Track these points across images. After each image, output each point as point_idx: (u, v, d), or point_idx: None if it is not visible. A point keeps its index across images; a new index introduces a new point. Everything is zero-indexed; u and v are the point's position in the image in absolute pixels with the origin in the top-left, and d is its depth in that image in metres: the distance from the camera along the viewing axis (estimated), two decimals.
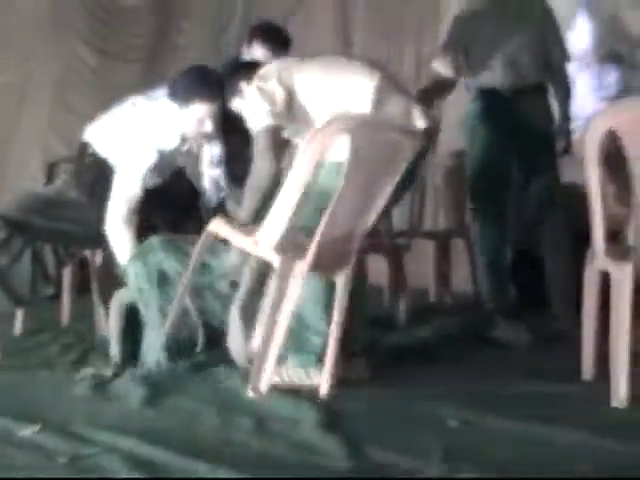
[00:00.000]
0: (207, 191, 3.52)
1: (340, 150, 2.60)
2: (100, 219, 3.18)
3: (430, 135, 2.98)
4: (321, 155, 2.52)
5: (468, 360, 3.27)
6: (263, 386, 2.47)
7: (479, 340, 3.58)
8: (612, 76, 5.15)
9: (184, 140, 3.27)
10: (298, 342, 2.81)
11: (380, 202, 2.71)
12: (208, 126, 3.17)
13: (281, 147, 2.88)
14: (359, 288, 2.94)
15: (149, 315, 2.99)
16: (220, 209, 3.39)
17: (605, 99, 5.03)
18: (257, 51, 3.51)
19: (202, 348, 2.97)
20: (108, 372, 2.93)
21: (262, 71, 2.96)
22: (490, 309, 3.74)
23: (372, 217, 2.74)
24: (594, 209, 2.59)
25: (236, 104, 3.03)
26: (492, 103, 3.75)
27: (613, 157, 2.70)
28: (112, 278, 3.23)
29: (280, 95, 2.84)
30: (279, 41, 3.55)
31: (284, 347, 2.83)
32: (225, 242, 2.85)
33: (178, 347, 2.94)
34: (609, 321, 2.57)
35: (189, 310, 2.97)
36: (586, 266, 2.82)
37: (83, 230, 3.41)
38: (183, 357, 2.95)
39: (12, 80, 6.92)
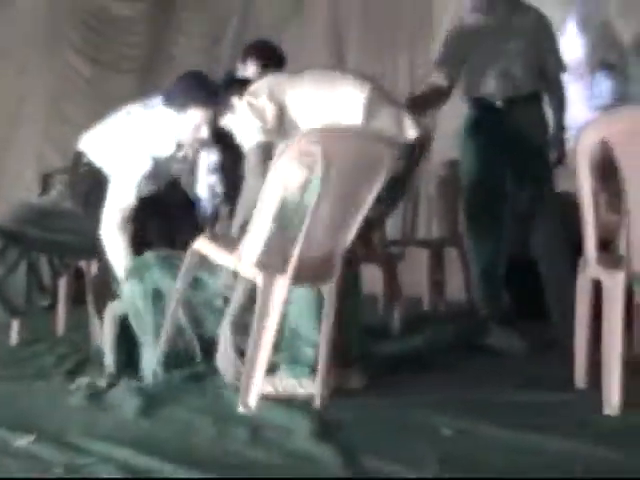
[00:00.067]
0: (203, 199, 3.53)
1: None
2: (95, 229, 3.18)
3: (422, 144, 2.99)
4: (292, 170, 2.51)
5: (462, 368, 3.29)
6: (252, 401, 2.47)
7: (473, 348, 3.59)
8: (604, 85, 5.17)
9: (180, 147, 3.27)
10: (291, 353, 2.82)
11: (362, 212, 2.70)
12: (204, 132, 3.18)
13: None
14: (353, 297, 2.96)
15: (144, 331, 2.98)
16: (216, 218, 3.41)
17: (597, 108, 5.05)
18: (251, 69, 3.54)
19: (199, 360, 2.98)
20: (103, 382, 2.93)
21: (253, 87, 2.97)
22: (484, 316, 3.76)
23: (355, 227, 2.72)
24: (586, 218, 2.61)
25: (227, 120, 3.05)
26: (484, 115, 3.77)
27: (605, 165, 2.72)
28: (107, 288, 3.24)
29: (271, 111, 2.85)
30: (273, 59, 3.58)
31: (277, 358, 2.86)
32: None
33: (175, 360, 2.94)
34: (601, 329, 2.59)
35: (183, 325, 2.97)
36: (578, 274, 2.83)
37: (78, 240, 3.42)
38: (180, 369, 2.95)
39: (7, 90, 6.93)
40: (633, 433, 2.34)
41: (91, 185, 3.33)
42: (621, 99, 5.07)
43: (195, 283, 2.93)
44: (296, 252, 2.54)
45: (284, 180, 2.52)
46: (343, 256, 2.77)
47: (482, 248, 3.78)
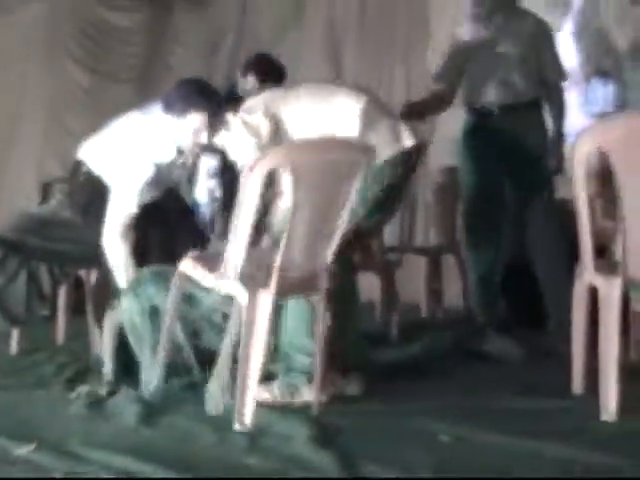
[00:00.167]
0: (202, 203, 3.54)
1: None
2: (95, 238, 3.18)
3: (418, 152, 3.01)
4: (263, 186, 2.50)
5: (459, 375, 3.30)
6: (248, 418, 2.47)
7: (470, 355, 3.60)
8: (599, 92, 5.20)
9: (180, 152, 3.28)
10: (287, 362, 2.84)
11: (341, 219, 2.69)
12: (204, 137, 3.19)
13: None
14: (350, 305, 2.98)
15: (142, 347, 2.98)
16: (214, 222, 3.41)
17: (592, 115, 5.08)
18: (251, 83, 3.56)
19: (197, 372, 2.97)
20: (103, 390, 2.94)
21: (248, 104, 2.98)
22: (481, 324, 3.77)
23: (336, 235, 2.71)
24: (582, 225, 2.62)
25: (221, 138, 3.05)
26: (483, 122, 3.78)
27: (604, 172, 2.74)
28: (106, 297, 3.24)
29: (266, 127, 2.85)
30: (273, 74, 3.59)
31: (274, 368, 2.86)
32: None
33: (174, 373, 2.94)
34: (598, 335, 2.60)
35: (181, 342, 2.96)
36: (575, 281, 2.85)
37: (78, 250, 3.42)
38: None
39: (6, 100, 6.95)
40: (630, 439, 2.35)
41: (90, 194, 3.33)
42: (616, 106, 5.10)
43: (189, 300, 2.93)
44: (277, 266, 2.53)
45: (256, 198, 2.51)
46: (336, 265, 2.79)
47: (479, 255, 3.79)
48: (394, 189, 2.96)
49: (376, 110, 2.94)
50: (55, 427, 2.55)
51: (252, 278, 2.55)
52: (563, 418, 2.60)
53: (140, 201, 3.19)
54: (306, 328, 2.78)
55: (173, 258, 2.90)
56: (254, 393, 2.48)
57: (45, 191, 5.17)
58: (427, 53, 5.98)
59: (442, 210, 5.07)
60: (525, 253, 3.79)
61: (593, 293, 2.71)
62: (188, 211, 3.57)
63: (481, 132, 3.78)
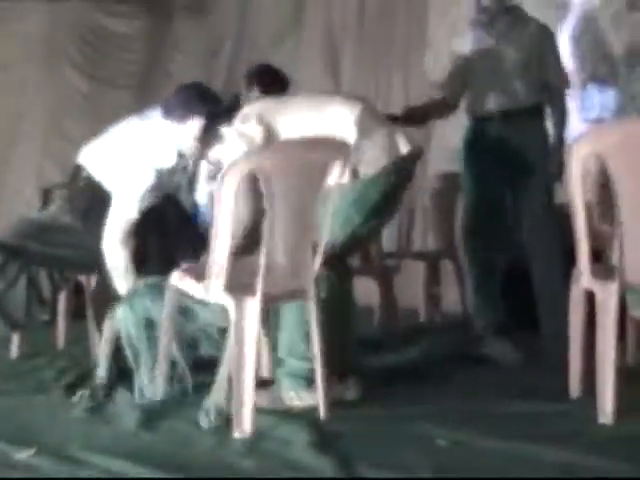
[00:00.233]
0: (202, 206, 3.55)
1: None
2: (95, 244, 3.19)
3: (414, 160, 3.02)
4: (236, 195, 2.51)
5: (458, 379, 3.30)
6: (247, 426, 2.48)
7: (469, 359, 3.61)
8: (595, 98, 5.21)
9: (181, 157, 3.28)
10: (287, 367, 2.84)
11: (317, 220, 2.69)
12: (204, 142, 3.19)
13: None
14: (347, 310, 2.99)
15: (136, 358, 2.97)
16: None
17: (588, 121, 5.09)
18: (255, 95, 3.57)
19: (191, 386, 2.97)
20: (101, 393, 2.95)
21: (242, 113, 2.99)
22: (479, 327, 3.78)
23: (317, 236, 2.71)
24: (579, 230, 2.64)
25: (215, 151, 3.06)
26: (484, 128, 3.78)
27: (599, 176, 2.75)
28: (106, 302, 3.25)
29: (260, 134, 2.86)
30: (275, 84, 3.60)
31: (273, 373, 2.87)
32: None
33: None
34: (595, 339, 2.61)
35: (177, 358, 2.95)
36: (572, 285, 2.86)
37: (78, 255, 3.42)
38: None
39: (6, 106, 6.97)
40: (627, 442, 2.36)
41: (90, 199, 3.33)
42: (612, 112, 5.11)
43: (185, 313, 2.93)
44: (261, 272, 2.53)
45: (231, 205, 2.51)
46: (332, 273, 2.79)
47: (478, 261, 3.80)
48: (389, 196, 2.97)
49: (371, 118, 2.95)
50: (55, 432, 2.57)
51: (238, 286, 2.55)
52: (561, 421, 2.61)
53: (141, 207, 3.19)
54: (304, 333, 2.79)
55: (172, 264, 2.91)
56: (251, 399, 2.49)
57: (45, 197, 5.18)
58: (425, 59, 6.01)
59: (440, 215, 5.09)
60: (523, 258, 3.80)
61: (590, 297, 2.72)
62: (187, 217, 3.58)
63: (482, 139, 3.79)
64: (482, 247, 3.76)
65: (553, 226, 3.69)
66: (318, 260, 2.73)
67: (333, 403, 2.73)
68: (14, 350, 3.89)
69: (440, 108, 3.95)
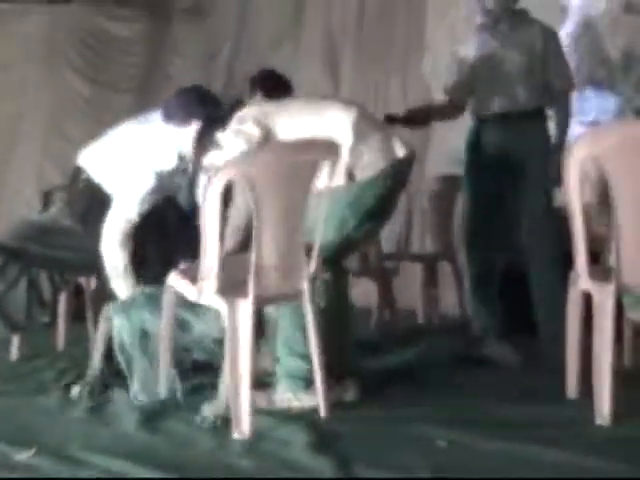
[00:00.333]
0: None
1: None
2: (94, 246, 3.20)
3: (410, 163, 3.03)
4: (222, 197, 2.51)
5: (456, 381, 3.31)
6: (246, 428, 2.49)
7: (467, 361, 3.61)
8: (592, 101, 5.22)
9: (182, 159, 3.29)
10: (286, 368, 2.86)
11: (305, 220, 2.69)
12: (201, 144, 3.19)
13: None
14: (344, 312, 3.00)
15: (129, 365, 2.98)
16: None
17: (585, 124, 5.10)
18: (257, 99, 3.58)
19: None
20: (96, 387, 2.96)
21: (239, 114, 2.99)
22: (478, 329, 3.79)
23: (310, 237, 2.72)
24: (576, 232, 2.65)
25: (211, 157, 3.07)
26: (485, 133, 3.80)
27: (596, 179, 2.76)
28: (106, 303, 3.26)
29: (257, 134, 2.88)
30: (278, 89, 3.61)
31: (273, 374, 2.88)
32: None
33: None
34: (592, 341, 2.62)
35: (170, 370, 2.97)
36: (569, 287, 2.87)
37: (78, 257, 3.43)
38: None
39: (7, 108, 6.98)
40: (624, 443, 2.38)
41: (90, 201, 3.34)
42: (609, 115, 5.12)
43: (181, 325, 2.93)
44: (252, 273, 2.54)
45: (217, 210, 2.51)
46: (330, 275, 2.79)
47: (477, 261, 3.81)
48: (385, 200, 2.98)
49: (367, 122, 2.96)
50: (55, 432, 2.58)
51: (230, 288, 2.55)
52: (558, 423, 2.62)
53: (142, 210, 3.19)
54: (302, 334, 2.80)
55: (171, 266, 2.92)
56: (249, 401, 2.49)
57: (46, 199, 5.19)
58: (423, 62, 6.02)
59: (438, 218, 5.10)
60: (521, 261, 3.81)
61: (587, 299, 2.73)
62: (186, 219, 3.59)
63: (483, 141, 3.80)
64: (481, 247, 3.78)
65: (552, 229, 3.69)
66: (313, 262, 2.74)
67: (332, 404, 2.75)
68: (14, 352, 3.89)
69: (447, 110, 3.97)
